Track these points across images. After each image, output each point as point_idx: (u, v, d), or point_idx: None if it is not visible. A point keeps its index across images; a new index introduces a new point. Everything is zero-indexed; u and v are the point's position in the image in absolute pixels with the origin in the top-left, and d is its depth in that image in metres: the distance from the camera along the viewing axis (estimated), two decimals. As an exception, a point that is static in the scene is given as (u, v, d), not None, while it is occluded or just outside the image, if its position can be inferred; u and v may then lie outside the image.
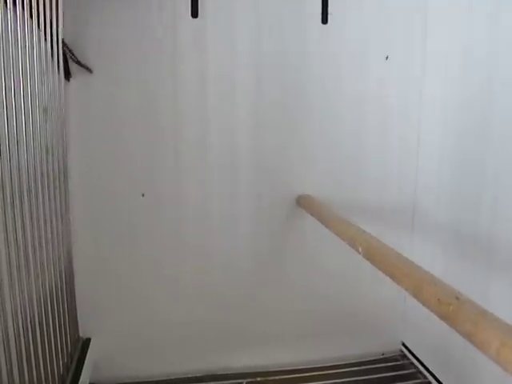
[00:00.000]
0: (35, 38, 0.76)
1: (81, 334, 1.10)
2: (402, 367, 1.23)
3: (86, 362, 1.01)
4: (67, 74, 1.00)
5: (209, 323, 1.17)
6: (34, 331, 0.73)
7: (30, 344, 0.71)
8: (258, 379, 1.17)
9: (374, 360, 1.25)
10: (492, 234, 0.92)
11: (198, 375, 1.17)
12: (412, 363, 1.23)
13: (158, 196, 1.10)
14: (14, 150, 0.66)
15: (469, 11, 1.00)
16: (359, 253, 0.72)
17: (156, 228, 1.12)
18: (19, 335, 0.66)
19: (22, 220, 0.69)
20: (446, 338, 1.07)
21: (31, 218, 0.73)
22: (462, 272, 1.00)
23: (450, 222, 1.06)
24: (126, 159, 1.08)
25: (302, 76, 1.13)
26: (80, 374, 0.96)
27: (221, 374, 1.18)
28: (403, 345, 1.29)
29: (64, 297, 0.94)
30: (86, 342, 1.09)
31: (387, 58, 1.15)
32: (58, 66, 0.90)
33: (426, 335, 1.17)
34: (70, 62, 1.00)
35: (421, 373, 1.19)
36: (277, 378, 1.17)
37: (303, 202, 1.14)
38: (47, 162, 0.84)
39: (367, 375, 1.19)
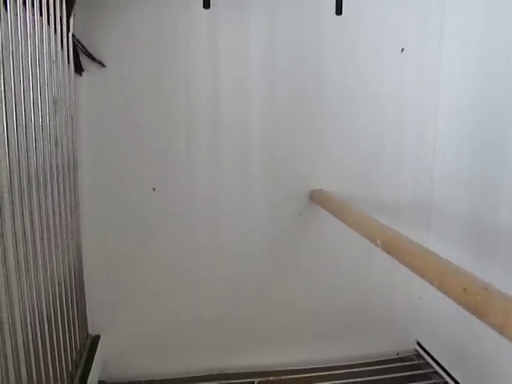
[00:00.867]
0: (45, 28, 0.74)
1: (90, 331, 1.09)
2: (417, 367, 1.20)
3: (95, 359, 1.00)
4: (79, 69, 1.00)
5: (220, 320, 1.15)
6: (42, 327, 0.71)
7: (38, 340, 0.69)
8: (271, 378, 1.14)
9: (389, 360, 1.23)
10: (512, 229, 0.89)
11: (208, 374, 1.15)
12: (428, 363, 1.20)
13: (169, 190, 1.09)
14: (22, 140, 0.65)
15: (487, 2, 0.98)
16: (377, 245, 0.70)
17: (167, 223, 1.10)
18: (27, 331, 0.65)
19: (30, 213, 0.68)
20: (462, 337, 1.05)
21: (39, 211, 0.72)
22: (481, 268, 0.97)
23: (467, 217, 1.03)
24: (137, 153, 1.06)
25: (317, 68, 1.11)
26: (89, 372, 0.94)
27: (232, 373, 1.16)
28: (418, 344, 1.26)
29: (73, 293, 0.93)
30: (96, 340, 1.07)
31: (403, 50, 1.13)
32: (68, 57, 0.89)
33: (442, 334, 1.15)
34: (81, 56, 0.99)
35: (437, 373, 1.16)
36: (289, 377, 1.15)
37: (317, 197, 1.12)
38: (56, 154, 0.82)
39: (381, 375, 1.16)
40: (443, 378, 1.13)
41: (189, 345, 1.15)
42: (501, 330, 0.41)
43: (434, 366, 1.18)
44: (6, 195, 0.59)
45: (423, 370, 1.19)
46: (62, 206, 0.86)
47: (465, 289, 0.47)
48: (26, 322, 0.64)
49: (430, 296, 1.19)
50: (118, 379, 1.11)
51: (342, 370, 1.18)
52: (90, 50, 0.99)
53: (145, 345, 1.13)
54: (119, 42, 1.02)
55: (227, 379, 1.15)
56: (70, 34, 0.89)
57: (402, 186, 1.19)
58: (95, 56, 1.00)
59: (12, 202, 0.61)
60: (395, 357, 1.24)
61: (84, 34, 0.98)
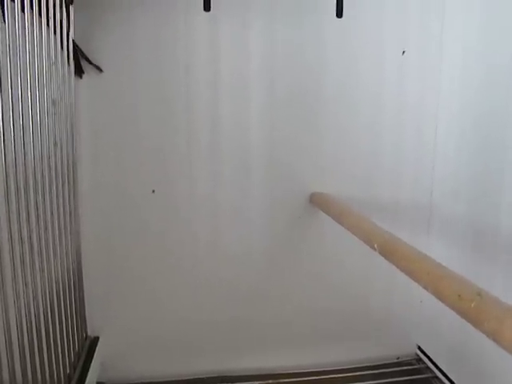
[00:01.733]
0: (44, 30, 0.74)
1: (89, 333, 1.09)
2: (417, 371, 1.19)
3: (93, 361, 0.99)
4: (79, 71, 1.00)
5: (220, 323, 1.15)
6: (39, 329, 0.71)
7: (35, 342, 0.69)
8: (270, 381, 1.14)
9: (389, 364, 1.22)
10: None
11: (207, 376, 1.15)
12: (428, 367, 1.19)
13: (169, 192, 1.09)
14: (19, 140, 0.64)
15: (486, 5, 0.97)
16: (375, 249, 0.70)
17: (166, 225, 1.10)
18: (22, 333, 0.65)
19: (27, 214, 0.67)
20: (463, 342, 1.04)
21: (37, 211, 0.72)
22: (481, 272, 0.96)
23: (468, 220, 1.03)
24: (136, 155, 1.06)
25: (318, 70, 1.10)
26: (87, 373, 0.94)
27: (231, 376, 1.15)
28: (419, 348, 1.25)
29: (72, 294, 0.93)
30: (94, 341, 1.07)
31: (404, 52, 1.12)
32: (68, 59, 0.89)
33: (442, 338, 1.14)
34: (81, 59, 0.99)
35: (437, 377, 1.15)
36: (288, 380, 1.14)
37: (316, 199, 1.11)
38: (55, 155, 0.82)
39: (381, 379, 1.15)
40: (444, 383, 1.12)
41: (188, 347, 1.14)
42: (494, 337, 0.41)
43: (435, 370, 1.17)
44: (1, 197, 0.59)
45: (424, 374, 1.18)
46: (61, 207, 0.85)
47: (459, 296, 0.46)
48: (21, 324, 0.64)
49: (430, 300, 1.17)
50: (116, 381, 1.11)
51: (342, 373, 1.17)
52: (88, 53, 0.99)
53: (144, 347, 1.12)
54: (119, 45, 1.02)
55: (226, 382, 1.14)
56: (71, 36, 0.89)
57: (402, 187, 1.18)
58: (93, 61, 1.00)
59: (7, 202, 0.61)
60: (395, 361, 1.23)
61: (82, 38, 0.98)
